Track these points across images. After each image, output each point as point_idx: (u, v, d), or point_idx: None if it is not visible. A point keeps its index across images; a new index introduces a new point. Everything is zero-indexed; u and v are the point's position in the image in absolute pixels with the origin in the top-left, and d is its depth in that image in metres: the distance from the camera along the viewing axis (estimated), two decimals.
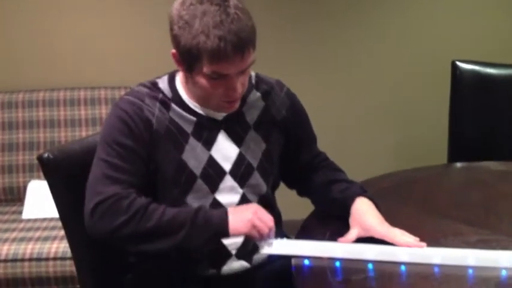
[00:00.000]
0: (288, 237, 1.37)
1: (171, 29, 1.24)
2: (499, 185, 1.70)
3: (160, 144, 1.31)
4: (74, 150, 1.42)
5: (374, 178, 1.69)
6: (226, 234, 1.26)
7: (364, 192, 1.38)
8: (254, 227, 1.25)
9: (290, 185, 1.56)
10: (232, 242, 1.38)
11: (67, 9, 2.64)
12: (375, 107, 2.96)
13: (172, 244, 1.24)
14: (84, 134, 2.46)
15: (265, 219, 1.27)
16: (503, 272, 1.18)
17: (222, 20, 1.17)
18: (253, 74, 1.45)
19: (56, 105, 2.52)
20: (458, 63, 2.27)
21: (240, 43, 1.18)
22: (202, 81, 1.25)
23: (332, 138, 1.62)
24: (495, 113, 2.27)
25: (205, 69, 1.22)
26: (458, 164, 2.01)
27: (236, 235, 1.28)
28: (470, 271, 1.19)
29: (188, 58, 1.23)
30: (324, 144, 1.59)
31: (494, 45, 2.89)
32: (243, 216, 1.27)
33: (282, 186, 1.58)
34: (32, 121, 2.50)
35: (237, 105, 1.33)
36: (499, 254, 1.23)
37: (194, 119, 1.34)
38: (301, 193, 1.55)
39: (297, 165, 1.51)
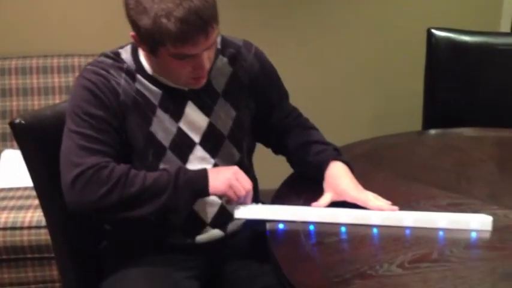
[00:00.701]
0: (263, 203, 1.37)
1: (128, 14, 1.20)
2: (471, 150, 1.73)
3: (129, 116, 1.29)
4: (46, 115, 1.39)
5: (348, 145, 1.70)
6: (206, 193, 1.26)
7: (338, 155, 1.39)
8: (231, 186, 1.26)
9: (265, 145, 1.56)
10: (207, 211, 1.38)
11: None
12: (352, 75, 2.97)
13: (156, 207, 1.23)
14: (57, 101, 2.42)
15: (243, 181, 1.28)
16: (473, 234, 1.21)
17: (181, 1, 1.13)
18: (218, 38, 1.40)
19: (29, 73, 2.47)
20: (433, 30, 2.28)
21: (203, 23, 1.15)
22: (167, 61, 1.23)
23: (309, 106, 1.61)
24: (470, 80, 2.29)
25: (170, 52, 1.19)
26: (432, 131, 2.03)
27: (215, 194, 1.27)
28: (441, 233, 1.22)
29: (150, 42, 1.20)
30: (301, 111, 1.58)
31: (469, 12, 2.90)
32: (222, 175, 1.27)
33: (259, 155, 1.58)
34: (4, 89, 2.46)
35: (204, 80, 1.30)
36: (469, 216, 1.25)
37: (160, 91, 1.32)
38: (276, 152, 1.55)
39: (269, 126, 1.50)
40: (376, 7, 2.88)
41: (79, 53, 2.54)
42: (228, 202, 1.32)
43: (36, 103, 2.45)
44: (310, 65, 2.92)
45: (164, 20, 1.14)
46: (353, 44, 2.92)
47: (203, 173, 1.27)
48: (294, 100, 1.57)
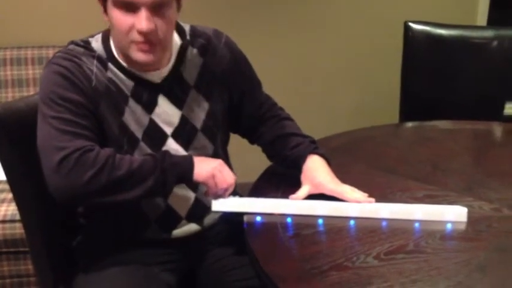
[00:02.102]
0: (240, 195, 1.37)
1: None
2: (446, 142, 1.74)
3: (102, 103, 1.26)
4: (19, 107, 1.37)
5: (325, 137, 1.70)
6: (190, 178, 1.26)
7: (315, 149, 1.39)
8: (214, 176, 1.26)
9: (240, 135, 1.55)
10: (181, 205, 1.38)
11: None
12: (330, 69, 2.98)
13: (143, 191, 1.21)
14: (31, 93, 2.39)
15: (226, 175, 1.28)
16: (448, 226, 1.22)
17: None
18: (187, 28, 1.40)
19: (2, 65, 2.43)
20: (410, 24, 2.30)
21: None
22: (114, 14, 1.21)
23: (288, 99, 1.61)
24: (446, 73, 2.32)
25: None
26: (408, 123, 2.04)
27: (197, 180, 1.26)
28: (417, 225, 1.23)
29: None
30: (281, 105, 1.58)
31: (446, 6, 2.92)
32: (207, 164, 1.28)
33: (235, 148, 1.57)
34: None
35: (151, 53, 1.24)
36: (445, 208, 1.26)
37: (132, 82, 1.30)
38: (252, 142, 1.54)
39: (243, 115, 1.49)
40: (354, 0, 2.88)
41: (53, 44, 2.50)
42: (206, 193, 1.31)
43: (10, 95, 2.41)
44: (289, 58, 2.92)
45: None
46: (331, 38, 2.93)
47: (189, 159, 1.27)
48: (274, 93, 1.56)
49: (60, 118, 1.21)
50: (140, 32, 1.20)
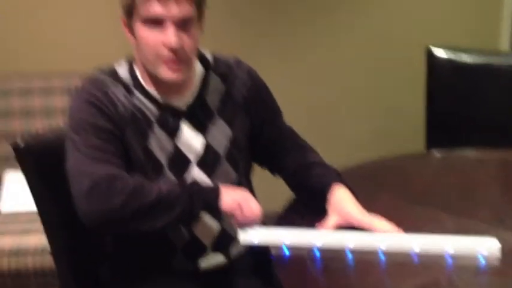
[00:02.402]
0: (265, 224, 1.36)
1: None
2: (475, 172, 1.72)
3: (128, 129, 1.29)
4: (47, 137, 1.40)
5: (350, 167, 1.69)
6: (217, 206, 1.25)
7: (340, 179, 1.38)
8: (240, 206, 1.26)
9: (261, 165, 1.54)
10: (205, 235, 1.37)
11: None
12: (350, 95, 2.97)
13: (170, 218, 1.21)
14: (60, 123, 2.41)
15: (252, 206, 1.28)
16: (481, 259, 1.20)
17: None
18: (209, 56, 1.43)
19: (31, 94, 2.46)
20: (432, 48, 2.29)
21: None
22: (141, 33, 1.26)
23: (307, 126, 1.60)
24: (471, 99, 2.30)
25: (140, 15, 1.24)
26: (435, 152, 2.02)
27: (225, 209, 1.26)
28: (448, 259, 1.20)
29: (126, 9, 1.26)
30: (299, 133, 1.56)
31: (467, 29, 2.91)
32: (233, 195, 1.27)
33: (259, 176, 1.57)
34: (7, 111, 2.44)
35: (179, 72, 1.28)
36: (477, 240, 1.24)
37: (157, 108, 1.32)
38: (273, 172, 1.53)
39: (263, 143, 1.48)
40: (375, 24, 2.89)
41: (80, 73, 2.53)
42: (234, 222, 1.30)
43: (39, 124, 2.44)
44: (308, 83, 2.92)
45: None
46: (352, 62, 2.93)
47: (216, 187, 1.27)
48: (291, 119, 1.55)
49: (89, 145, 1.23)
50: (170, 48, 1.24)
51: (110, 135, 1.26)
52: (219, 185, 1.28)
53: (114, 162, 1.23)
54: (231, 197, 1.26)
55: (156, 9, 1.22)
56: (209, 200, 1.25)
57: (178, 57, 1.26)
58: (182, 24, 1.25)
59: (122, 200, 1.18)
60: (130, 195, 1.18)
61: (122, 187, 1.19)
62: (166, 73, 1.28)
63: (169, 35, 1.23)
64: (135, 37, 1.29)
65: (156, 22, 1.24)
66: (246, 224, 1.28)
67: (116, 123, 1.27)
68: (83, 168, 1.21)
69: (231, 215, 1.28)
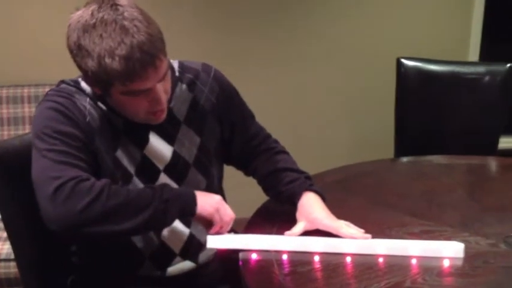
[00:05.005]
0: (235, 232, 1.36)
1: (74, 60, 1.19)
2: (442, 177, 1.75)
3: (96, 137, 1.25)
4: (14, 145, 1.37)
5: (320, 173, 1.71)
6: (193, 212, 1.24)
7: (310, 185, 1.39)
8: (218, 211, 1.26)
9: (236, 167, 1.54)
10: (175, 241, 1.37)
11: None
12: (324, 104, 3.00)
13: (140, 221, 1.17)
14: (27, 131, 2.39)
15: (227, 211, 1.28)
16: (446, 262, 1.21)
17: (122, 38, 1.12)
18: (176, 64, 1.40)
19: None
20: (402, 60, 2.33)
21: (147, 57, 1.13)
22: (122, 100, 1.21)
23: (281, 134, 1.61)
24: (439, 108, 2.34)
25: (121, 90, 1.18)
26: (403, 158, 2.05)
27: (201, 215, 1.25)
28: (414, 261, 1.22)
29: (100, 84, 1.19)
30: (277, 138, 1.58)
31: (438, 41, 2.96)
32: (209, 199, 1.27)
33: (231, 184, 1.57)
34: None
35: (164, 114, 1.27)
36: (442, 244, 1.26)
37: (123, 120, 1.29)
38: (247, 175, 1.54)
39: (235, 148, 1.48)
40: (348, 37, 2.93)
41: (50, 83, 2.51)
42: (207, 230, 1.29)
43: (6, 133, 2.41)
44: (283, 93, 2.94)
45: (108, 60, 1.12)
46: (326, 73, 2.96)
47: (191, 193, 1.26)
48: (268, 127, 1.56)
49: (55, 150, 1.19)
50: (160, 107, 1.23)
51: (76, 140, 1.21)
52: (194, 192, 1.26)
53: (80, 166, 1.20)
54: (208, 203, 1.26)
55: (140, 86, 1.17)
56: (185, 204, 1.23)
57: (165, 106, 1.25)
58: (162, 77, 1.21)
59: (88, 201, 1.14)
60: (96, 196, 1.15)
61: (89, 188, 1.15)
62: (154, 121, 1.27)
63: (158, 99, 1.21)
64: (106, 95, 1.23)
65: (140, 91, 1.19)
66: (222, 229, 1.28)
67: (84, 131, 1.23)
68: (47, 173, 1.17)
69: (204, 221, 1.27)
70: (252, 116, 1.53)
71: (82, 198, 1.14)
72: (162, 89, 1.21)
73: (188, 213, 1.25)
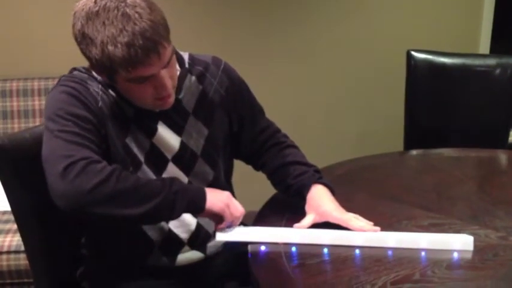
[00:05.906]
0: (245, 225, 1.36)
1: (80, 48, 1.19)
2: (451, 170, 1.74)
3: (108, 123, 1.26)
4: (24, 138, 1.38)
5: (329, 166, 1.70)
6: (202, 207, 1.24)
7: (319, 178, 1.39)
8: (228, 207, 1.26)
9: (244, 161, 1.55)
10: (183, 231, 1.37)
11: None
12: (333, 97, 2.99)
13: (147, 209, 1.16)
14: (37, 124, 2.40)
15: (237, 206, 1.29)
16: (455, 254, 1.21)
17: (124, 25, 1.12)
18: (186, 57, 1.40)
19: (9, 96, 2.45)
20: (412, 52, 2.32)
21: (150, 44, 1.13)
22: (128, 87, 1.22)
23: (289, 128, 1.61)
24: (449, 101, 2.32)
25: (125, 77, 1.18)
26: (413, 151, 2.04)
27: (211, 210, 1.25)
28: (423, 254, 1.22)
29: (105, 71, 1.19)
30: (284, 131, 1.57)
31: (448, 34, 2.94)
32: (219, 195, 1.27)
33: (239, 177, 1.57)
34: None
35: (172, 100, 1.27)
36: (451, 237, 1.25)
37: (132, 109, 1.29)
38: (256, 169, 1.54)
39: (244, 142, 1.49)
40: (358, 29, 2.91)
41: (60, 76, 2.52)
42: (217, 226, 1.29)
43: (16, 126, 2.43)
44: (291, 86, 2.94)
45: (111, 47, 1.13)
46: (334, 66, 2.95)
47: (201, 188, 1.26)
48: (276, 121, 1.56)
49: (67, 131, 1.18)
50: (166, 93, 1.23)
51: (89, 123, 1.21)
52: (203, 188, 1.27)
53: (93, 149, 1.19)
54: (218, 198, 1.26)
55: (144, 72, 1.17)
56: (194, 198, 1.24)
57: (171, 91, 1.24)
58: (167, 64, 1.21)
59: (98, 181, 1.13)
60: (106, 177, 1.14)
61: (100, 170, 1.14)
62: (161, 106, 1.28)
63: (163, 85, 1.21)
64: (111, 82, 1.24)
65: (145, 78, 1.19)
66: (234, 224, 1.28)
67: (96, 115, 1.23)
68: (59, 151, 1.16)
69: (215, 216, 1.27)
70: (261, 111, 1.53)
71: (92, 179, 1.13)
72: (167, 75, 1.22)
73: (197, 207, 1.25)
